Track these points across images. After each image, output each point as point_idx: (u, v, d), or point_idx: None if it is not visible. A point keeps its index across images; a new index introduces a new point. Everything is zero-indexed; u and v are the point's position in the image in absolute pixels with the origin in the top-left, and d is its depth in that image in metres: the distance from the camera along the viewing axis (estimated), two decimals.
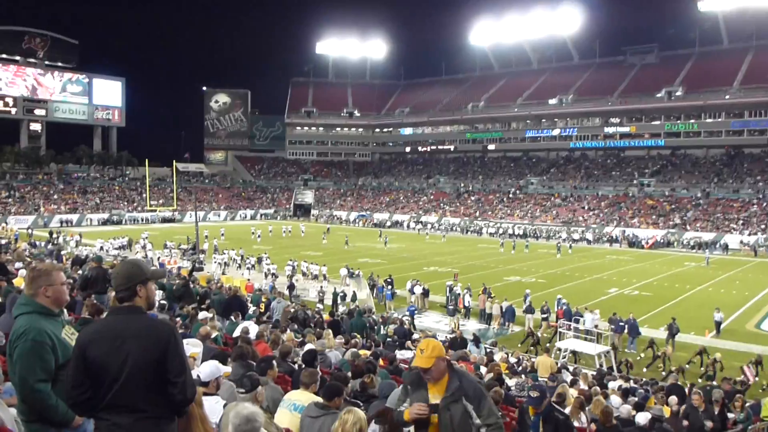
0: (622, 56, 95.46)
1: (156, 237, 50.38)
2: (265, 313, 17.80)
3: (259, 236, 58.48)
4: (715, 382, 14.83)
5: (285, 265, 36.06)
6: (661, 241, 59.66)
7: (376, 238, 61.90)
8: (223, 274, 34.82)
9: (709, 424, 9.67)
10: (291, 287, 30.40)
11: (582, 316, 23.33)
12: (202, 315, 12.66)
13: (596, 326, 22.32)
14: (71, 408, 3.45)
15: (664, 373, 19.12)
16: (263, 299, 19.92)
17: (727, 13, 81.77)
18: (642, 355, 21.51)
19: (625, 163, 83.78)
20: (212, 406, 4.69)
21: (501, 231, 67.88)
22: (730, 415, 10.93)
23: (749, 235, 57.98)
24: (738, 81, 75.84)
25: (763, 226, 59.13)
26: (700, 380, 17.73)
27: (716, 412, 10.10)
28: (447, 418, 3.90)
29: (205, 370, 5.14)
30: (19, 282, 10.94)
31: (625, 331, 22.69)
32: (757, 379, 17.62)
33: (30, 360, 3.57)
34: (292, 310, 18.41)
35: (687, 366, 19.73)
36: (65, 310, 5.58)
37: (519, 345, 22.27)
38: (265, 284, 31.12)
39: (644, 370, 20.07)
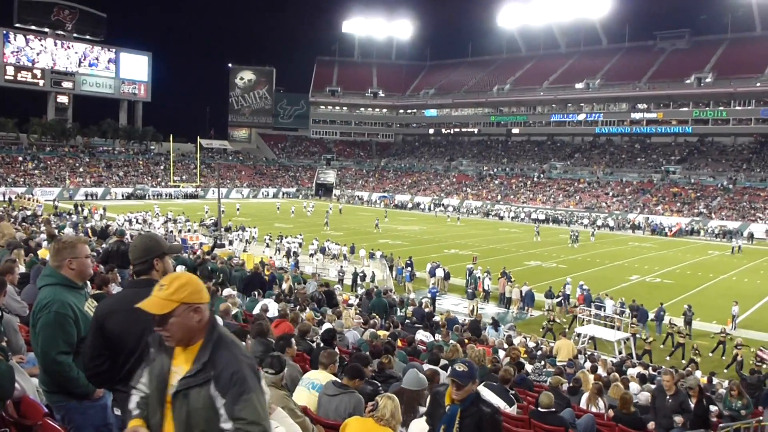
0: (652, 41, 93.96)
1: (177, 212, 50.79)
2: (291, 293, 17.80)
3: (292, 212, 61.64)
4: (746, 373, 14.50)
5: (308, 244, 36.31)
6: (686, 229, 59.01)
7: (396, 219, 62.13)
8: (245, 251, 35.02)
9: (678, 419, 8.08)
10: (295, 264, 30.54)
11: (603, 303, 23.24)
12: (226, 292, 12.78)
13: (617, 313, 22.24)
14: (89, 379, 3.49)
15: (684, 362, 19.02)
16: (285, 278, 19.94)
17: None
18: (663, 345, 21.35)
19: (651, 150, 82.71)
20: None
21: (535, 216, 67.56)
22: (713, 408, 9.53)
23: None
24: None
25: None
26: (726, 371, 17.60)
27: (692, 403, 8.56)
28: (181, 411, 2.47)
29: None
30: (44, 254, 11.08)
31: (649, 318, 22.54)
32: None
33: (52, 331, 3.61)
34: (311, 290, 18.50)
35: (710, 354, 19.61)
36: (89, 283, 5.64)
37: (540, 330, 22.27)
38: (286, 263, 31.30)
39: (667, 358, 19.91)
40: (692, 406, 8.60)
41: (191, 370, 2.47)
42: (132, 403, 2.66)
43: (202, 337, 2.53)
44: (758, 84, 72.97)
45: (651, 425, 8.38)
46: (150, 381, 2.62)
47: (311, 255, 34.11)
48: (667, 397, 8.40)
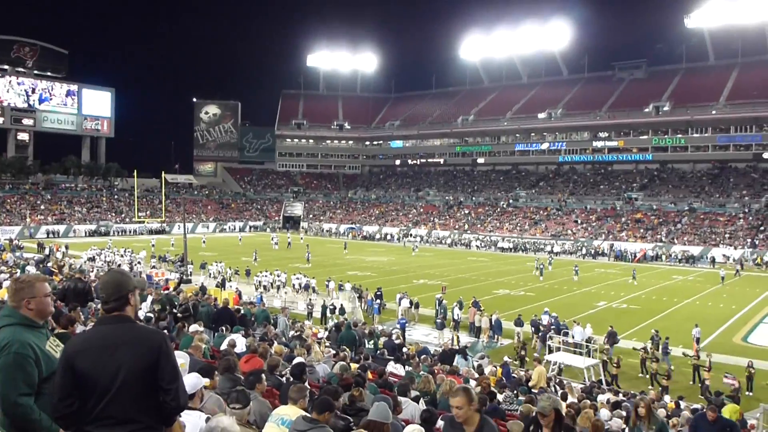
0: (611, 71, 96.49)
1: (140, 249, 50.09)
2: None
3: (276, 243, 63.71)
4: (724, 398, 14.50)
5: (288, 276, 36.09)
6: (652, 254, 59.95)
7: (364, 250, 62.15)
8: (217, 287, 34.50)
9: None
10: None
11: (568, 330, 23.36)
12: (192, 328, 12.54)
13: (588, 339, 22.34)
14: (56, 422, 3.38)
15: (651, 387, 19.10)
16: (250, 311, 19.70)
17: (713, 30, 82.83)
18: (649, 375, 21.38)
19: (613, 177, 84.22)
20: (195, 421, 4.58)
21: (515, 246, 68.12)
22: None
23: (735, 249, 58.33)
24: (724, 96, 76.77)
25: (749, 240, 59.53)
26: (701, 396, 17.69)
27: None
28: None
29: (187, 382, 5.04)
30: (2, 294, 10.82)
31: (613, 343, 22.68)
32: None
33: (12, 373, 3.50)
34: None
35: (691, 383, 19.73)
36: (50, 321, 5.50)
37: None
38: (253, 296, 30.94)
39: (649, 388, 19.75)
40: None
41: None
42: None
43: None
44: (714, 111, 75.29)
45: None
46: None
47: (277, 287, 34.01)
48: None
